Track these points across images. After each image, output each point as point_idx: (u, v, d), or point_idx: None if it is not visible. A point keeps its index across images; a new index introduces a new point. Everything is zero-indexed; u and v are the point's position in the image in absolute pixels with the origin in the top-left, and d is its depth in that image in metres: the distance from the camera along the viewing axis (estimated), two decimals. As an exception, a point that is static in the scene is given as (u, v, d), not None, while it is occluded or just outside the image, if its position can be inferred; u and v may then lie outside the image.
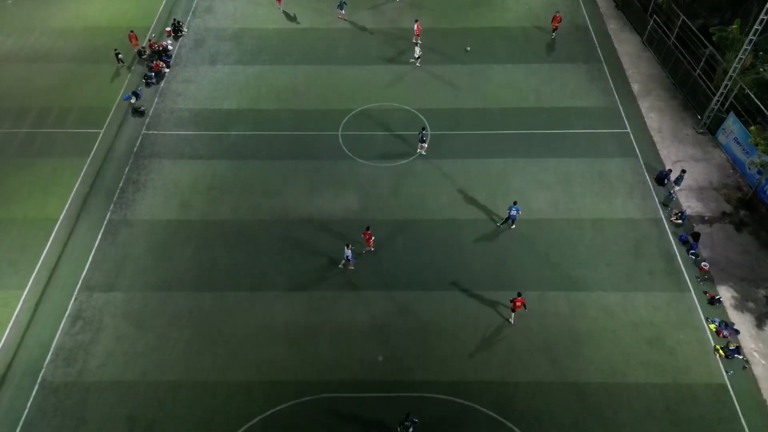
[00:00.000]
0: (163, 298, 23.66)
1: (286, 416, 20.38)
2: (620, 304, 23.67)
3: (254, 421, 20.29)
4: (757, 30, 25.74)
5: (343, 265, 24.53)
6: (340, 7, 37.19)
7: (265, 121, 31.11)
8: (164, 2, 38.94)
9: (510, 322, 22.82)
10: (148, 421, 20.17)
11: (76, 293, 23.69)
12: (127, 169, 28.52)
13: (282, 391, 21.04)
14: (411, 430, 18.92)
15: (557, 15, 35.22)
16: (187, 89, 32.84)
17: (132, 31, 34.18)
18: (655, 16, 34.74)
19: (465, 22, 37.51)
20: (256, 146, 29.79)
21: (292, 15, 37.32)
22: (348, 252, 23.97)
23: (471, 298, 23.79)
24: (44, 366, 21.55)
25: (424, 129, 29.26)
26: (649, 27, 34.93)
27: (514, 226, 25.99)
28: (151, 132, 30.43)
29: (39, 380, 21.16)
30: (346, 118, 31.18)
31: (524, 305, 22.20)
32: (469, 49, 34.63)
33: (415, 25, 34.70)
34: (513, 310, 22.56)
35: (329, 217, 26.65)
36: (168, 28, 36.33)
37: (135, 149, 29.50)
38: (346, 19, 37.31)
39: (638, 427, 20.27)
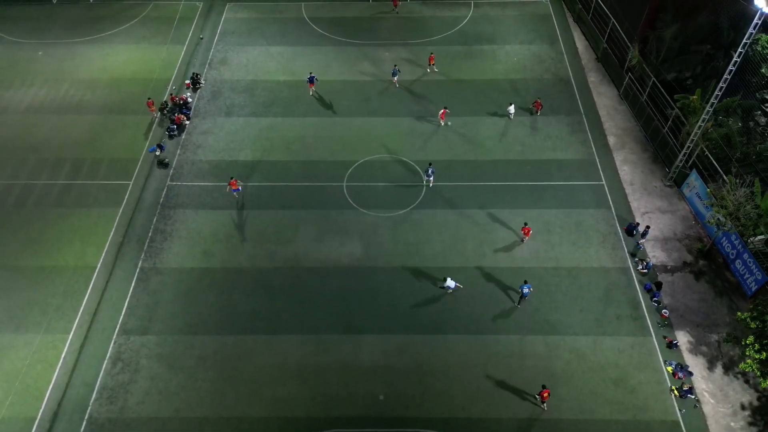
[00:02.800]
0: (190, 340, 27.08)
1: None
2: (590, 346, 27.11)
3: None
4: (713, 103, 29.20)
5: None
6: (394, 74, 39.46)
7: (277, 172, 34.53)
8: (183, 53, 42.34)
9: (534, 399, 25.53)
10: (181, 452, 23.59)
11: (114, 337, 27.12)
12: (155, 219, 31.93)
13: (296, 426, 24.47)
14: None
15: (538, 101, 37.60)
16: (206, 141, 36.26)
17: (150, 98, 37.26)
18: (630, 73, 38.22)
19: (459, 73, 40.94)
20: (270, 196, 33.22)
21: (319, 96, 39.00)
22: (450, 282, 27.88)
23: (459, 340, 27.23)
24: (90, 404, 24.98)
25: (430, 164, 33.07)
26: (624, 82, 38.42)
27: (519, 306, 28.43)
28: (174, 183, 33.85)
29: (86, 417, 24.60)
30: (350, 170, 34.61)
31: (548, 394, 24.57)
32: (450, 124, 37.02)
33: (441, 112, 36.71)
34: (542, 401, 24.77)
35: (335, 264, 30.08)
36: (187, 81, 39.71)
37: (161, 200, 32.91)
38: (398, 86, 39.70)
39: (601, 458, 23.73)
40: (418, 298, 28.76)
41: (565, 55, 42.33)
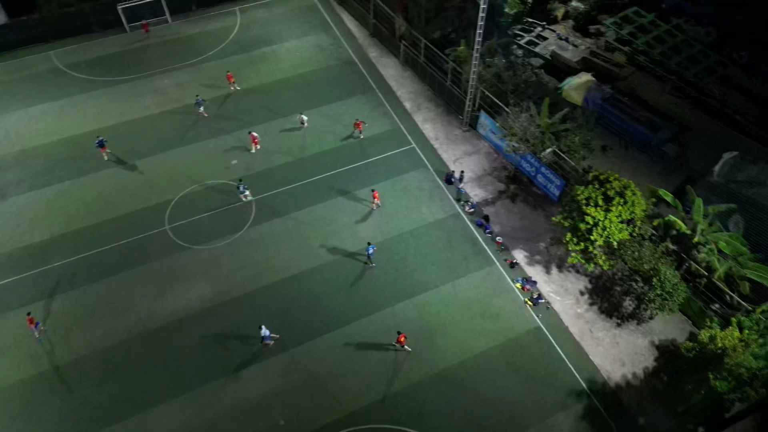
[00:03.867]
0: (48, 458, 23.33)
1: None
2: (451, 292, 29.17)
3: None
4: (477, 48, 32.69)
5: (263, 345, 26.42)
6: (198, 105, 36.94)
7: (86, 240, 30.82)
8: None
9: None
10: None
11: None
12: (-51, 344, 26.56)
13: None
14: None
15: (358, 121, 35.96)
16: (-16, 234, 30.90)
17: None
18: (402, 41, 41.05)
19: (248, 82, 40.10)
20: (87, 269, 29.57)
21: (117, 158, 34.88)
22: (264, 331, 26.14)
23: (338, 334, 27.38)
24: None
25: (240, 180, 32.12)
26: (401, 50, 41.19)
27: (374, 265, 29.67)
28: (-39, 294, 28.43)
29: None
30: (168, 210, 32.25)
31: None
32: (233, 162, 33.78)
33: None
34: (402, 345, 26.38)
35: (188, 313, 28.03)
36: (-66, 174, 33.25)
37: (-50, 319, 27.46)
38: (206, 116, 37.21)
39: (493, 385, 25.88)
40: (285, 312, 28.19)
41: (342, 39, 43.87)
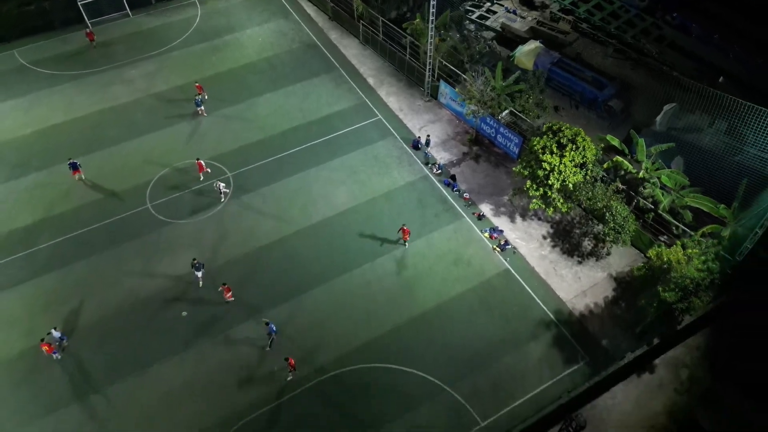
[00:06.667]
0: (53, 422, 24.32)
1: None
2: (426, 245, 31.27)
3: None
4: (432, 21, 34.91)
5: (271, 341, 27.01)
6: (197, 104, 37.24)
7: (70, 222, 31.66)
8: None
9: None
10: None
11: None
12: (-57, 327, 27.15)
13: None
14: None
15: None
16: (-35, 224, 31.41)
17: None
18: (361, 20, 42.99)
19: (214, 68, 41.35)
20: (75, 249, 30.48)
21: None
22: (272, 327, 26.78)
23: (322, 290, 29.14)
24: None
25: (195, 259, 29.47)
26: (360, 30, 43.12)
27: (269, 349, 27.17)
28: (-52, 281, 28.97)
29: None
30: (149, 190, 33.33)
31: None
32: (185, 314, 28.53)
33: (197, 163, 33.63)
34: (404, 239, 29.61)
35: (176, 283, 29.28)
36: None
37: (-60, 304, 27.99)
38: (205, 115, 37.55)
39: (469, 322, 28.09)
40: (271, 272, 29.79)
41: (302, 24, 45.45)
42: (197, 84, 38.70)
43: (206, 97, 38.51)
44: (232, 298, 28.44)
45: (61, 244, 30.70)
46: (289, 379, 25.96)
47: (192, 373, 26.16)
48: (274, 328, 26.87)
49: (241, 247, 30.92)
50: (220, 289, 28.05)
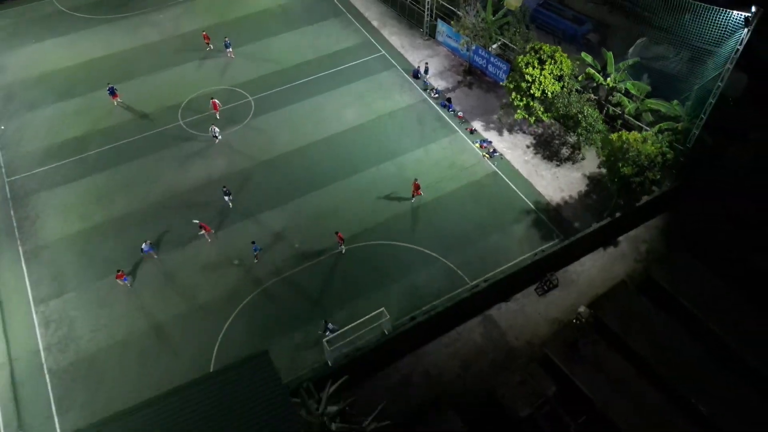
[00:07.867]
0: (110, 283, 28.91)
1: (252, 304, 28.32)
2: (424, 154, 35.77)
3: (230, 319, 27.81)
4: (430, -39, 39.40)
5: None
6: (227, 46, 41.23)
7: (113, 134, 36.28)
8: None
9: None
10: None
11: (33, 307, 27.75)
12: (12, 212, 31.76)
13: (241, 293, 28.78)
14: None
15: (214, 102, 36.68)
16: (23, 135, 36.05)
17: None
18: (366, -30, 47.45)
19: (232, 13, 45.93)
20: (118, 155, 35.12)
21: (125, 105, 38.48)
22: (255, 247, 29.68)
23: (333, 187, 33.68)
24: (43, 361, 25.89)
25: (224, 187, 32.45)
26: (366, -21, 47.61)
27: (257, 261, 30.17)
28: (13, 178, 33.60)
29: (46, 371, 25.55)
30: (180, 110, 37.92)
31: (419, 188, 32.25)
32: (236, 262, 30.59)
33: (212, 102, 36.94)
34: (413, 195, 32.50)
35: (208, 180, 33.88)
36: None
37: (8, 195, 32.62)
38: (233, 57, 41.57)
39: (462, 211, 32.57)
40: (293, 172, 34.35)
41: (311, -24, 49.96)
42: (204, 33, 42.55)
43: (212, 47, 41.99)
44: (211, 231, 30.91)
45: (107, 152, 35.32)
46: (341, 250, 30.10)
47: (219, 251, 30.75)
48: (258, 247, 29.62)
49: (262, 153, 35.48)
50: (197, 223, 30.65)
